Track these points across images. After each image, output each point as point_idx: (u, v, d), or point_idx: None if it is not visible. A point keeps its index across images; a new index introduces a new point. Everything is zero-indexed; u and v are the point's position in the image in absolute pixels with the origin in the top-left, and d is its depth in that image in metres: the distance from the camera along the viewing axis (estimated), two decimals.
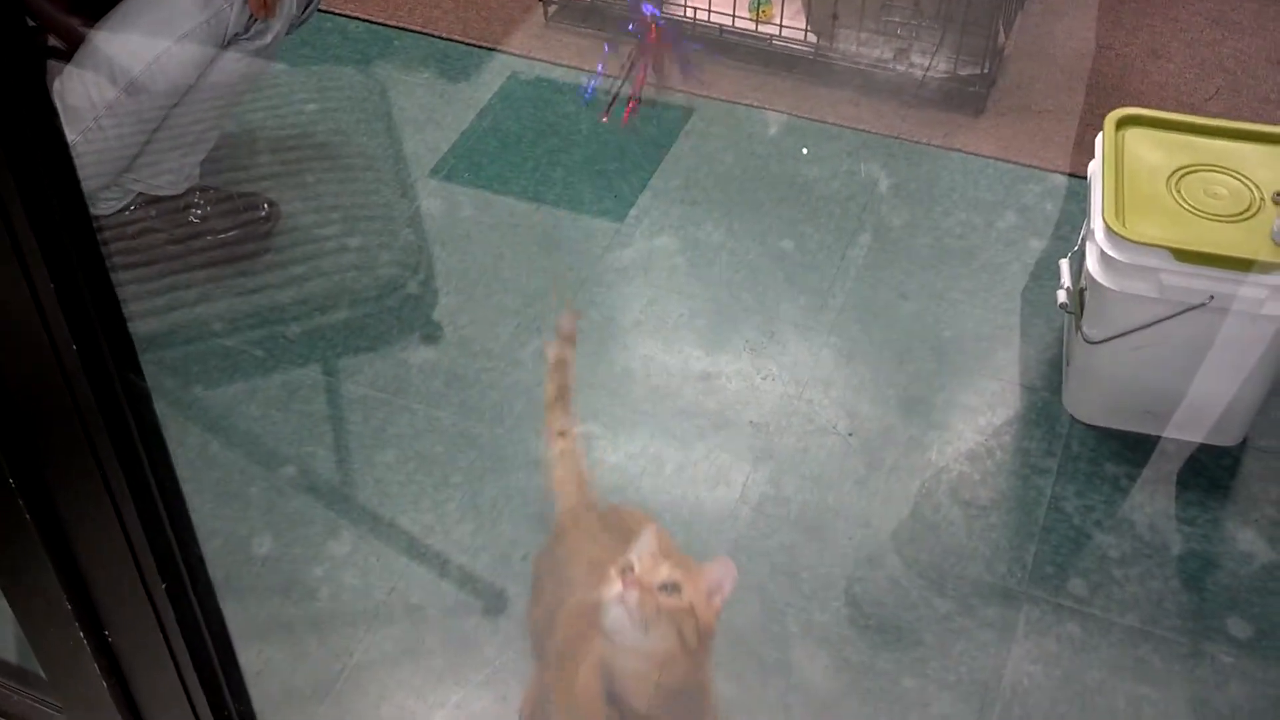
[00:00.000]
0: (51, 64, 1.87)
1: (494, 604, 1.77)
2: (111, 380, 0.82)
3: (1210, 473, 1.92)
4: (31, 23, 1.87)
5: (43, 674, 1.15)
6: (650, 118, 2.56)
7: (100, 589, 0.98)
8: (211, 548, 1.82)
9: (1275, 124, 1.95)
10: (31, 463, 0.90)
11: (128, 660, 1.04)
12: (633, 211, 2.35)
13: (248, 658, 1.70)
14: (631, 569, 1.29)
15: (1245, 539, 1.84)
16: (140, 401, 0.84)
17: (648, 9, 2.16)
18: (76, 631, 1.02)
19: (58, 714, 1.24)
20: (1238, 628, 1.73)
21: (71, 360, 0.80)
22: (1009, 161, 2.45)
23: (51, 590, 0.97)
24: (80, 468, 0.88)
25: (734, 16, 2.66)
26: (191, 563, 0.95)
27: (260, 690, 1.67)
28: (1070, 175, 2.41)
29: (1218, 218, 1.79)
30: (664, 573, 1.29)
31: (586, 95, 2.26)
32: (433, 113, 2.56)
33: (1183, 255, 1.73)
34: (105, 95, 1.84)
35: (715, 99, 2.60)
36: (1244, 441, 1.95)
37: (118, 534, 0.91)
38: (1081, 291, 1.91)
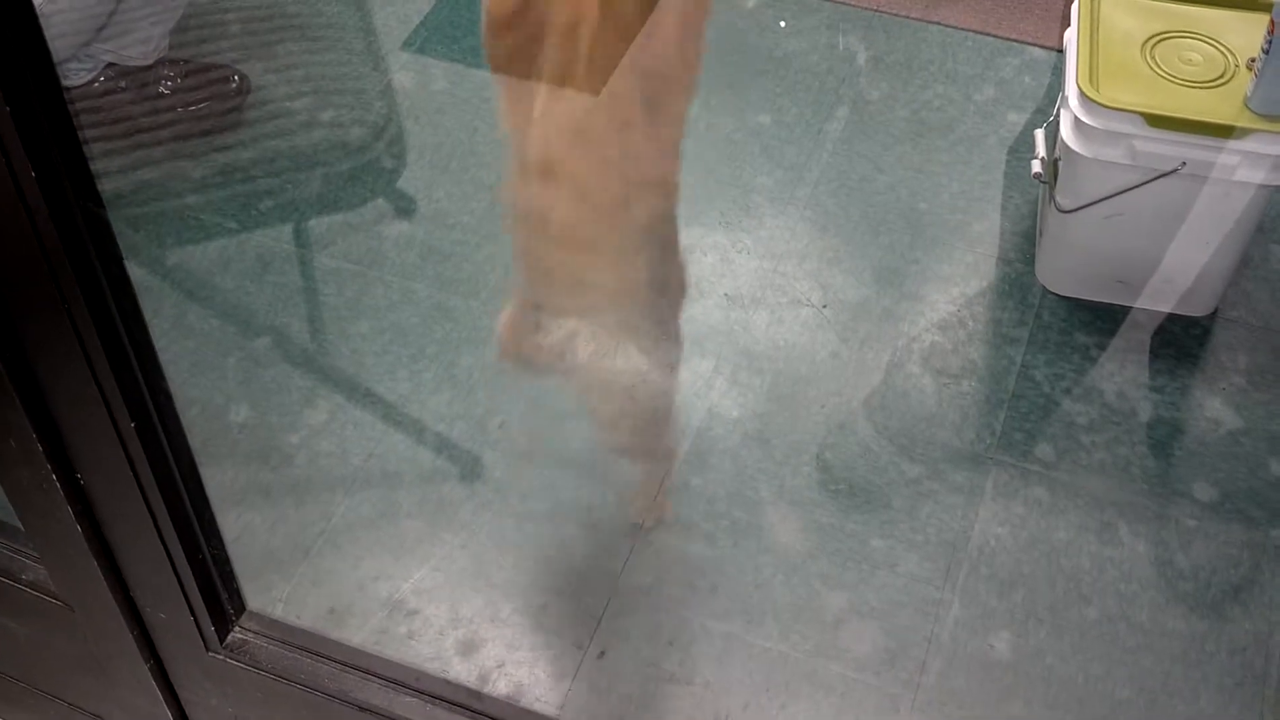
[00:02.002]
0: None
1: (470, 470, 1.79)
2: (72, 211, 0.82)
3: (1180, 342, 1.93)
4: None
5: (20, 525, 1.17)
6: None
7: (70, 429, 0.99)
8: (189, 417, 1.82)
9: None
10: None
11: (101, 502, 1.06)
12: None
13: (225, 522, 1.71)
14: None
15: (1213, 407, 1.86)
16: (101, 232, 0.84)
17: None
18: (49, 475, 1.03)
19: (35, 564, 1.25)
20: (1202, 492, 1.76)
21: (31, 187, 0.79)
22: (989, 35, 2.43)
23: (21, 431, 0.98)
24: (46, 304, 0.88)
25: None
26: (159, 401, 0.96)
27: (239, 553, 1.69)
28: (1051, 50, 2.39)
29: (1191, 84, 1.78)
30: None
31: None
32: None
33: (1155, 121, 1.72)
34: None
35: None
36: (1215, 312, 1.97)
37: (85, 370, 0.91)
38: (1056, 161, 1.91)
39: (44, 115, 0.78)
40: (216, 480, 1.76)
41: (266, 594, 1.65)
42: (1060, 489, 1.76)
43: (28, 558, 1.27)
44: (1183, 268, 1.89)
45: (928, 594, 1.65)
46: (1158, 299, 1.95)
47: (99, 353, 0.89)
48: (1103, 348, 1.93)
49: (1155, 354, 1.92)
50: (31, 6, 0.70)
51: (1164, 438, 1.82)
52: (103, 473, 1.02)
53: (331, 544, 1.70)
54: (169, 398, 0.97)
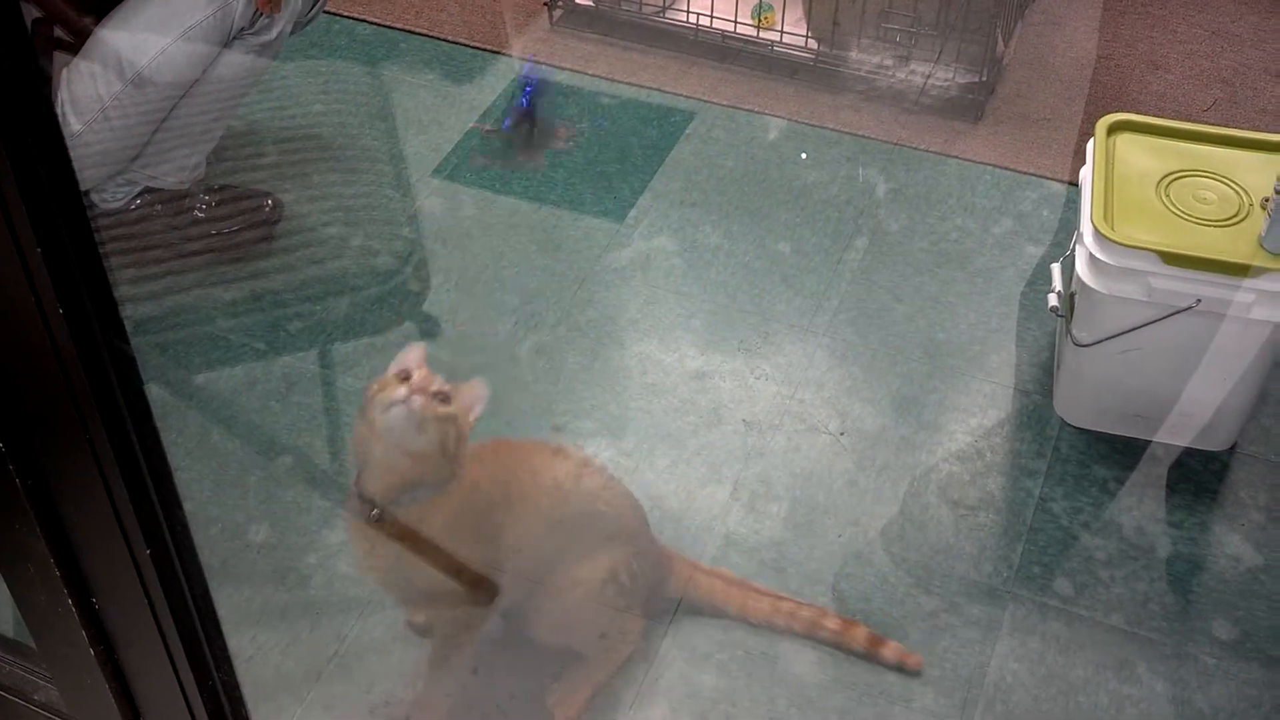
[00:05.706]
0: (59, 56, 1.90)
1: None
2: (97, 345, 0.85)
3: (1198, 477, 1.93)
4: (39, 14, 1.90)
5: (34, 645, 1.18)
6: (652, 121, 2.58)
7: (87, 555, 1.00)
8: (209, 535, 1.84)
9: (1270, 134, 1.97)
10: (21, 428, 0.92)
11: (114, 627, 1.07)
12: (632, 213, 2.38)
13: (241, 643, 1.72)
14: (410, 376, 1.41)
15: (1232, 543, 1.85)
16: (125, 367, 0.86)
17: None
18: (65, 599, 1.04)
19: (48, 685, 1.26)
20: (1222, 630, 1.75)
21: (59, 324, 0.82)
22: (1007, 169, 2.47)
23: (40, 555, 1.00)
24: (68, 433, 0.90)
25: (736, 23, 2.69)
26: (176, 529, 0.97)
27: (252, 674, 1.70)
28: (1068, 183, 2.43)
29: (1206, 222, 1.81)
30: (437, 383, 1.42)
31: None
32: (437, 113, 2.59)
33: (1170, 258, 1.74)
34: (112, 87, 1.87)
35: (716, 104, 2.62)
36: (1233, 447, 1.96)
37: (104, 499, 0.93)
38: (1072, 295, 1.93)
39: (74, 254, 0.81)
40: (233, 600, 1.77)
41: (277, 717, 1.65)
42: (1078, 624, 1.75)
43: (40, 678, 1.28)
44: (1200, 403, 1.89)
45: None
46: (1176, 433, 1.95)
47: (119, 483, 0.91)
48: (1121, 481, 1.93)
49: (1173, 489, 1.92)
50: (68, 157, 0.73)
51: (1183, 574, 1.81)
52: (117, 598, 1.03)
53: (343, 668, 1.70)
54: (185, 527, 0.98)
